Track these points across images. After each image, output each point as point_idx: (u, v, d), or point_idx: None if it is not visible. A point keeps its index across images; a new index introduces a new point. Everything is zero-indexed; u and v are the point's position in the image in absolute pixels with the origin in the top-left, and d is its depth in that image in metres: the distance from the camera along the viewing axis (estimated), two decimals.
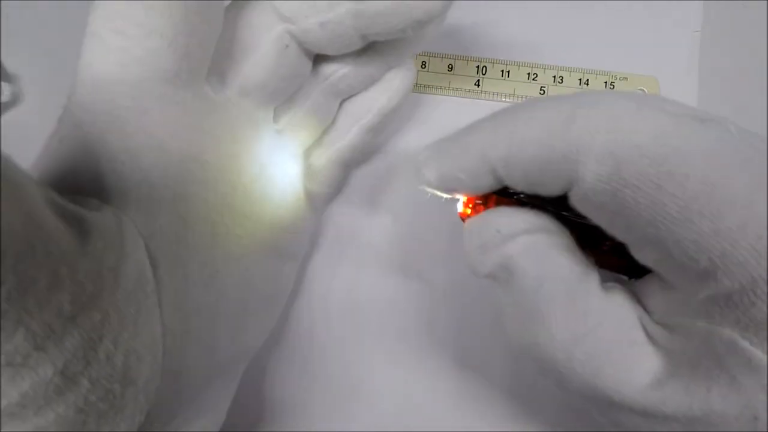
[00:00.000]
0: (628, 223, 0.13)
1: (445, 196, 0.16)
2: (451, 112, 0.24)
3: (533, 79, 0.24)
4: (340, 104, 0.21)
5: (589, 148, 0.13)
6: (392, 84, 0.20)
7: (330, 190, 0.22)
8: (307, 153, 0.21)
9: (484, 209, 0.16)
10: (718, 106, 0.23)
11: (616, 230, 0.14)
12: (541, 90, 0.24)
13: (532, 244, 0.15)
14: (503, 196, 0.16)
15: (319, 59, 0.19)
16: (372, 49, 0.19)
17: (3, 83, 0.24)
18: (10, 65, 0.25)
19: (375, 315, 0.23)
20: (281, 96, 0.19)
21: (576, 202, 0.14)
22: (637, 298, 0.15)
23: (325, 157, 0.21)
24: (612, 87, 0.24)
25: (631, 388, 0.13)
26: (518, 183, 0.14)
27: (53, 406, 0.12)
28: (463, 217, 0.16)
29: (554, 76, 0.24)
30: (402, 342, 0.23)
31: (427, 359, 0.23)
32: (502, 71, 0.24)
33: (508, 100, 0.24)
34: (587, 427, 0.23)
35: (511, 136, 0.14)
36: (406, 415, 0.23)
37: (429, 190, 0.16)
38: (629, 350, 0.14)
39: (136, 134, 0.14)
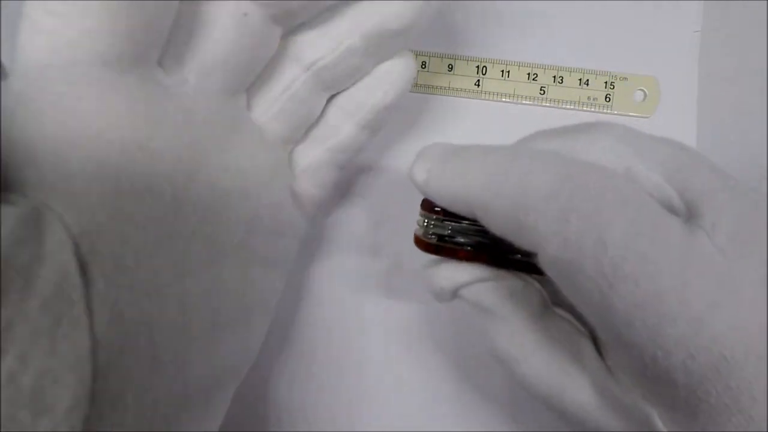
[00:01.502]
0: (579, 299, 0.13)
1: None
2: (451, 112, 0.24)
3: (533, 79, 0.24)
4: (331, 98, 0.19)
5: (559, 230, 0.12)
6: (389, 77, 0.19)
7: (319, 191, 0.20)
8: (293, 148, 0.20)
9: (434, 249, 0.17)
10: (719, 105, 0.23)
11: (572, 300, 0.14)
12: (541, 90, 0.24)
13: (474, 292, 0.16)
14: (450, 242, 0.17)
15: (300, 45, 0.18)
16: (359, 42, 0.17)
17: (3, 83, 0.24)
18: (10, 65, 0.25)
19: (378, 320, 0.23)
20: (246, 74, 0.17)
21: (541, 265, 0.14)
22: (595, 344, 0.16)
23: (312, 155, 0.20)
24: (612, 87, 0.24)
25: (569, 405, 0.15)
26: (490, 227, 0.14)
27: None
28: (416, 242, 0.17)
29: (554, 76, 0.24)
30: (404, 345, 0.23)
31: (429, 363, 0.23)
32: (502, 71, 0.24)
33: (508, 100, 0.24)
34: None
35: (499, 187, 0.14)
36: (407, 417, 0.23)
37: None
38: (565, 377, 0.15)
39: (70, 122, 0.13)
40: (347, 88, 0.19)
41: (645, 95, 0.24)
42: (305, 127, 0.19)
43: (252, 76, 0.17)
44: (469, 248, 0.16)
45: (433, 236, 0.17)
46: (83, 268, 0.12)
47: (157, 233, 0.14)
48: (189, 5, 0.15)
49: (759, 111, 0.23)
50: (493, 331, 0.16)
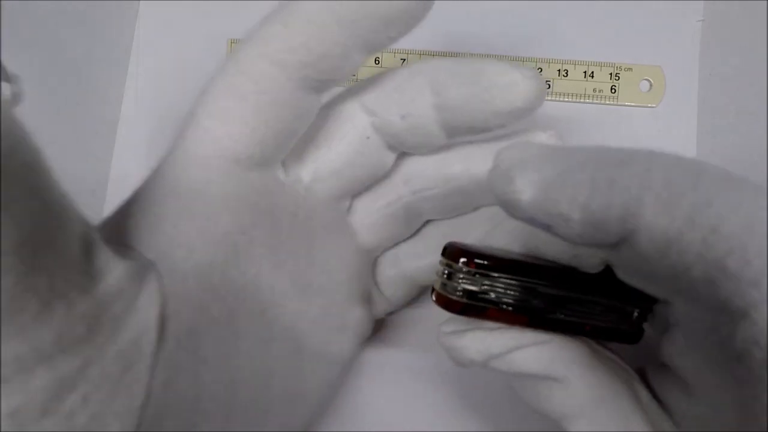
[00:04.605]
0: (668, 277, 0.12)
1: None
2: None
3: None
4: (428, 223, 0.21)
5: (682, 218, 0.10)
6: (486, 214, 0.20)
7: (394, 302, 0.21)
8: (379, 258, 0.21)
9: (461, 308, 0.14)
10: (721, 93, 0.23)
11: (657, 277, 0.12)
12: (546, 84, 0.24)
13: (518, 362, 0.14)
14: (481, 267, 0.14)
15: (413, 170, 0.19)
16: (463, 187, 0.19)
17: (3, 83, 0.24)
18: (10, 65, 0.24)
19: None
20: (356, 186, 0.19)
21: (626, 249, 0.12)
22: (654, 393, 0.15)
23: (397, 269, 0.21)
24: (617, 78, 0.24)
25: None
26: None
27: None
28: (437, 300, 0.15)
29: (559, 70, 0.24)
30: (391, 357, 0.22)
31: (420, 371, 0.22)
32: None
33: None
34: None
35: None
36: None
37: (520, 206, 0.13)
38: (628, 427, 0.14)
39: (195, 202, 0.15)
40: (448, 218, 0.20)
41: (650, 85, 0.24)
42: (396, 241, 0.21)
43: (360, 189, 0.19)
44: (505, 307, 0.14)
45: (460, 293, 0.14)
46: (162, 326, 0.13)
47: (230, 308, 0.15)
48: (319, 118, 0.17)
49: (759, 96, 0.23)
50: (543, 394, 0.15)
